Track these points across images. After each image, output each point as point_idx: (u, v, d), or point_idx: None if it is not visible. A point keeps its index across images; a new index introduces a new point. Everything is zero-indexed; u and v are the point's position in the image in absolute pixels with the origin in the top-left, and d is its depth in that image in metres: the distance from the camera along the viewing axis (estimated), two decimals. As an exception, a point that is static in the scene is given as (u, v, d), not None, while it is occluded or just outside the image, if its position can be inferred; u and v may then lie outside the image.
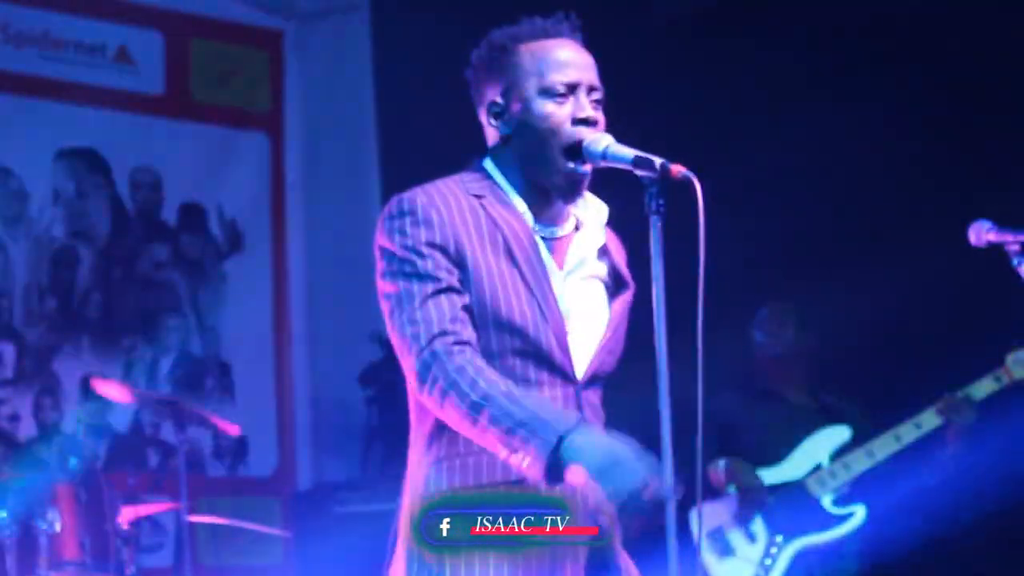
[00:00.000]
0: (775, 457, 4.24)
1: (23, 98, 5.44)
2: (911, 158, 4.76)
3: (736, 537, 4.18)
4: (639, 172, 2.30)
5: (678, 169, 2.29)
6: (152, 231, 5.86)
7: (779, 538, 4.14)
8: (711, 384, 2.42)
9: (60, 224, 5.57)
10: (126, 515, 4.17)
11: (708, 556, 4.15)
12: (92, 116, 5.55)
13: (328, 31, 6.10)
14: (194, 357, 5.59)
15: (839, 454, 4.15)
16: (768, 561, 4.15)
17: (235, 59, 6.06)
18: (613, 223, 2.59)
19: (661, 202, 2.28)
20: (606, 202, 2.56)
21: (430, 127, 5.44)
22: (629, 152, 2.34)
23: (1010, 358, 4.00)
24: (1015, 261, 2.89)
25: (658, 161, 2.29)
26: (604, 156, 2.36)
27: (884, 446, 4.11)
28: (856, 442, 4.15)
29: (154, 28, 5.78)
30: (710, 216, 2.33)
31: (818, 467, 4.16)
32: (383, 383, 5.72)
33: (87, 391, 5.31)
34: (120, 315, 5.76)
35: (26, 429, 5.37)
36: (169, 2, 5.83)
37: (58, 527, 3.95)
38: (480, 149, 2.89)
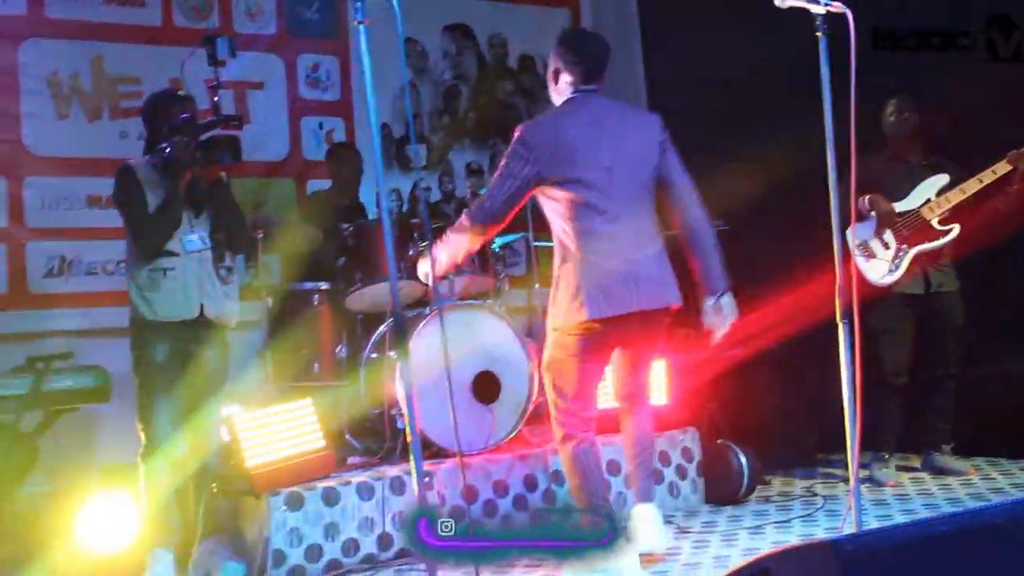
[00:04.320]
0: (901, 195, 4.74)
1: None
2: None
3: (876, 246, 4.69)
4: (812, 8, 2.79)
5: (838, 5, 2.73)
6: (503, 73, 6.63)
7: (904, 246, 4.66)
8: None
9: (448, 71, 6.49)
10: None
11: (859, 259, 4.59)
12: (467, 4, 6.54)
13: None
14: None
15: (942, 191, 4.68)
16: (896, 261, 4.67)
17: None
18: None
19: (826, 26, 2.73)
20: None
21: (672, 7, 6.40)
22: None
23: None
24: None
25: (823, 0, 2.78)
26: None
27: (971, 185, 4.58)
28: (952, 184, 4.66)
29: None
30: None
31: (928, 200, 4.69)
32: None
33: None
34: (485, 125, 6.54)
35: (435, 196, 6.41)
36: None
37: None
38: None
